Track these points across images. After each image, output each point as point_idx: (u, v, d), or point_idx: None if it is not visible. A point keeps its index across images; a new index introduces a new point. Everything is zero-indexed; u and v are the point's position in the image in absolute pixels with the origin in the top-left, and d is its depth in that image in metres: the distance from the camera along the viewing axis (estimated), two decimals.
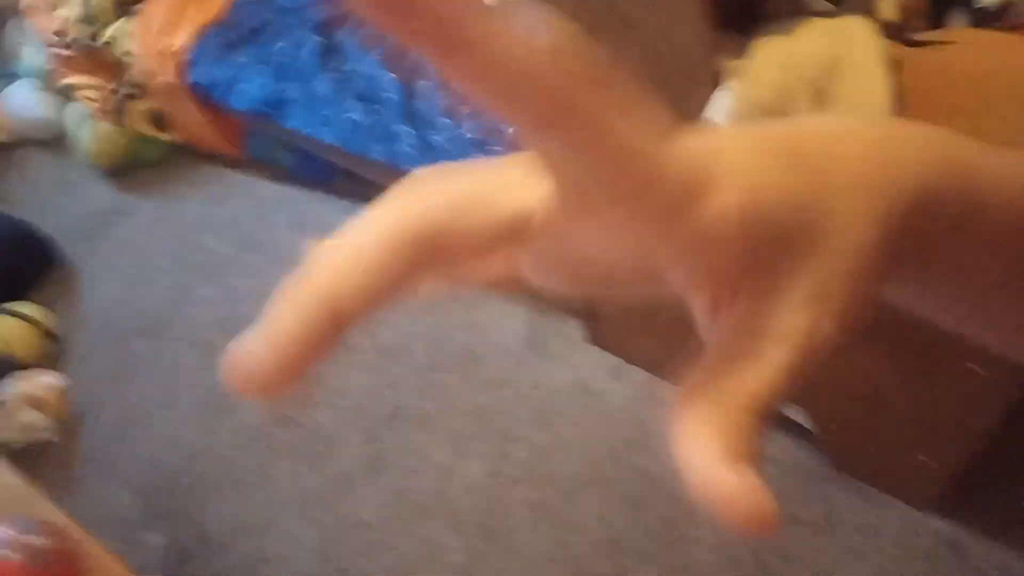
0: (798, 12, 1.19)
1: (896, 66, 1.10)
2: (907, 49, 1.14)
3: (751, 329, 0.18)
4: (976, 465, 1.24)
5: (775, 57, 1.11)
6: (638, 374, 1.68)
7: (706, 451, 0.17)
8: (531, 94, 0.14)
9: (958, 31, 1.18)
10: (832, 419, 1.37)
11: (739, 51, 1.14)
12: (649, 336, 1.58)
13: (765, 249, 0.18)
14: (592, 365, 1.72)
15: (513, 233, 0.19)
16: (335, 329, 0.18)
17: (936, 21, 1.21)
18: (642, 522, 1.49)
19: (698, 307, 0.20)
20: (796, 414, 1.43)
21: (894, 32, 1.17)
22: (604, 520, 1.51)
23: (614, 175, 0.16)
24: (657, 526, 1.48)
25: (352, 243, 0.19)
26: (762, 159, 0.19)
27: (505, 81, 0.14)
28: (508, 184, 0.19)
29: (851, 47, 1.08)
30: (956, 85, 1.06)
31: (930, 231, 0.22)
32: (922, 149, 0.23)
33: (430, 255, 0.18)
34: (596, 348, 1.74)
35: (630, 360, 1.69)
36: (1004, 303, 0.28)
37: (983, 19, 1.18)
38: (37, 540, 0.82)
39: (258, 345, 0.18)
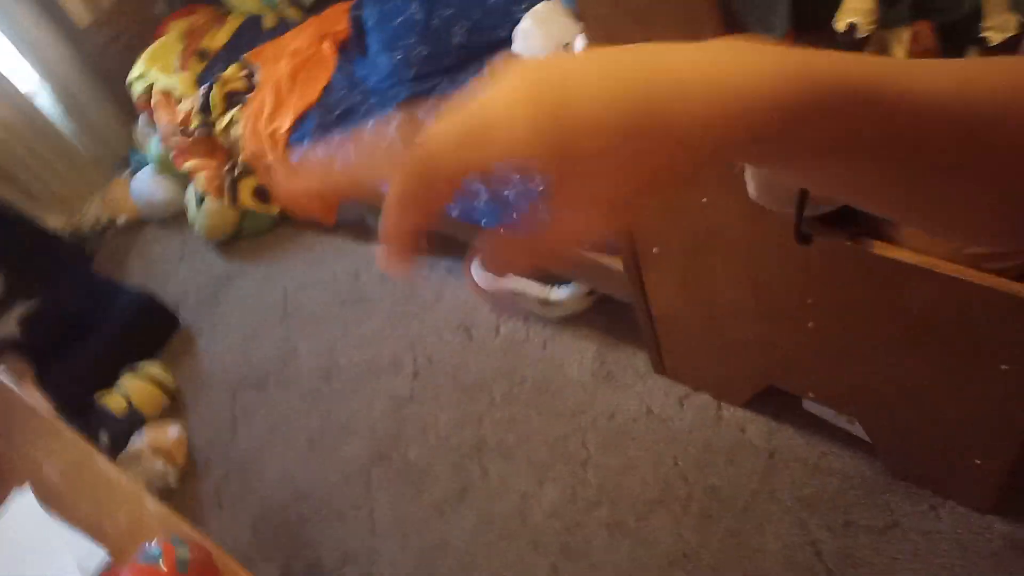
0: None
1: None
2: None
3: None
4: None
5: None
6: (701, 399, 1.77)
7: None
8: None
9: None
10: (886, 429, 1.42)
11: None
12: (710, 364, 1.68)
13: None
14: (659, 393, 1.82)
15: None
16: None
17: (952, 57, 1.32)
18: (712, 536, 1.57)
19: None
20: (852, 426, 1.49)
21: None
22: (676, 536, 1.59)
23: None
24: (726, 538, 1.55)
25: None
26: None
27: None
28: None
29: None
30: None
31: (821, 123, 0.26)
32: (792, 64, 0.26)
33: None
34: (662, 377, 1.84)
35: (694, 387, 1.79)
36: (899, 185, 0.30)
37: (994, 55, 1.28)
38: (183, 552, 0.95)
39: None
